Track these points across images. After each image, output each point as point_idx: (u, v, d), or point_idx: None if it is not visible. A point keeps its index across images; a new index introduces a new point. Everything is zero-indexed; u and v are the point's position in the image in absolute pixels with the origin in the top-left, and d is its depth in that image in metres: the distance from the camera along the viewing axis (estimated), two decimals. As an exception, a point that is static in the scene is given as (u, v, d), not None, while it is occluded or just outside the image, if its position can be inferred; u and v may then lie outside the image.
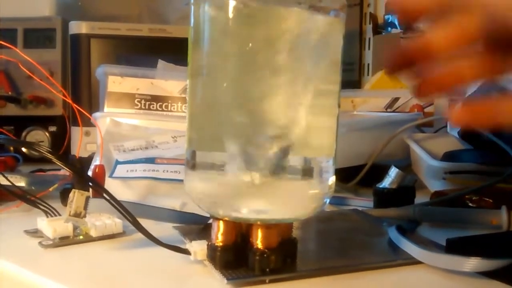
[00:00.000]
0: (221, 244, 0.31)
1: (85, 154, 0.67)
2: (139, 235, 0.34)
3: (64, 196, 0.47)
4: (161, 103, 0.71)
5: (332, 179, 0.31)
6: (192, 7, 0.30)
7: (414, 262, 0.33)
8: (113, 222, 0.39)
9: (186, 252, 0.32)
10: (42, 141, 0.84)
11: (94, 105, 0.79)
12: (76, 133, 0.79)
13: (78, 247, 0.37)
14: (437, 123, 0.78)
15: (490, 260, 0.30)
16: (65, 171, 0.56)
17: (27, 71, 0.59)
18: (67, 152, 0.77)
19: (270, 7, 0.29)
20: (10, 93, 0.84)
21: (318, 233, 0.42)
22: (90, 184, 0.37)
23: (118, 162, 0.55)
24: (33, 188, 0.48)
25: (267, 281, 0.30)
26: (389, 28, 1.02)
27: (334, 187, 0.32)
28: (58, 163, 0.36)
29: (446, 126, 0.74)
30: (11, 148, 0.78)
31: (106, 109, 0.71)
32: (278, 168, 0.28)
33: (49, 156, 0.36)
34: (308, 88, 0.29)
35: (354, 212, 0.46)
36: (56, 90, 0.74)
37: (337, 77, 0.30)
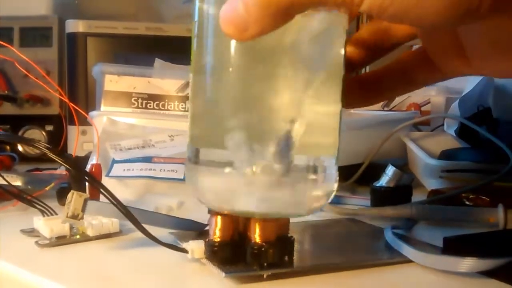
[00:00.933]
0: (218, 239, 0.31)
1: (81, 153, 0.67)
2: (136, 234, 0.34)
3: (60, 195, 0.47)
4: (158, 102, 0.71)
5: (335, 177, 0.31)
6: (196, 1, 0.30)
7: (412, 260, 0.33)
8: (110, 221, 0.39)
9: (183, 250, 0.32)
10: (39, 140, 0.83)
11: (90, 104, 0.79)
12: (73, 132, 0.79)
13: (75, 247, 0.37)
14: (434, 122, 0.78)
15: (486, 259, 0.30)
16: (61, 171, 0.56)
17: (23, 70, 0.59)
18: (64, 151, 0.77)
19: None
20: (6, 92, 0.84)
21: (314, 236, 0.42)
22: (87, 178, 0.37)
23: (114, 161, 0.55)
24: (29, 187, 0.48)
25: (264, 276, 0.30)
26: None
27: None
28: (56, 159, 0.35)
29: (443, 125, 0.74)
30: (7, 147, 0.78)
31: (102, 108, 0.70)
32: (282, 164, 0.28)
33: (48, 152, 0.36)
34: (312, 83, 0.29)
35: (351, 220, 0.46)
36: (52, 89, 0.74)
37: (340, 72, 0.30)
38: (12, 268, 0.33)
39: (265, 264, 0.30)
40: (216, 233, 0.31)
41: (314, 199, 0.31)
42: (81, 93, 0.82)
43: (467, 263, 0.30)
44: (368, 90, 0.34)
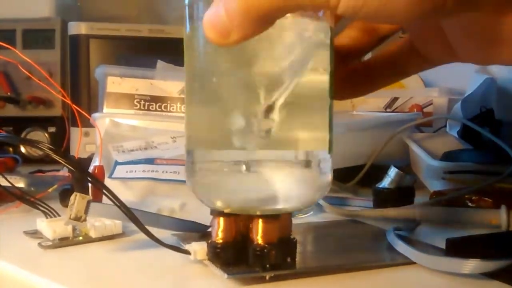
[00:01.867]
0: (221, 241, 0.31)
1: (84, 155, 0.67)
2: (139, 235, 0.34)
3: (63, 197, 0.47)
4: (160, 104, 0.71)
5: (329, 172, 0.31)
6: (186, 8, 0.31)
7: (415, 261, 0.33)
8: (112, 222, 0.39)
9: (186, 252, 0.33)
10: (42, 142, 0.84)
11: (93, 105, 0.79)
12: (76, 133, 0.79)
13: (78, 248, 0.37)
14: (436, 123, 0.78)
15: (489, 261, 0.30)
16: (64, 172, 0.56)
17: (26, 72, 0.59)
18: (67, 153, 0.77)
19: None
20: (9, 94, 0.84)
21: (317, 237, 0.42)
22: (90, 180, 0.37)
23: (117, 163, 0.55)
24: (32, 189, 0.48)
25: (267, 277, 0.30)
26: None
27: (332, 186, 0.33)
28: (60, 160, 0.36)
29: (445, 126, 0.74)
30: (10, 149, 0.78)
31: (105, 109, 0.71)
32: (274, 158, 0.29)
33: (51, 153, 0.36)
34: (297, 77, 0.29)
35: (353, 222, 0.46)
36: (55, 90, 0.74)
37: (325, 65, 0.31)
38: (15, 270, 0.33)
39: (268, 265, 0.30)
40: (219, 234, 0.31)
41: (309, 192, 0.31)
42: (84, 95, 0.82)
43: (470, 265, 0.30)
44: (358, 81, 0.35)
